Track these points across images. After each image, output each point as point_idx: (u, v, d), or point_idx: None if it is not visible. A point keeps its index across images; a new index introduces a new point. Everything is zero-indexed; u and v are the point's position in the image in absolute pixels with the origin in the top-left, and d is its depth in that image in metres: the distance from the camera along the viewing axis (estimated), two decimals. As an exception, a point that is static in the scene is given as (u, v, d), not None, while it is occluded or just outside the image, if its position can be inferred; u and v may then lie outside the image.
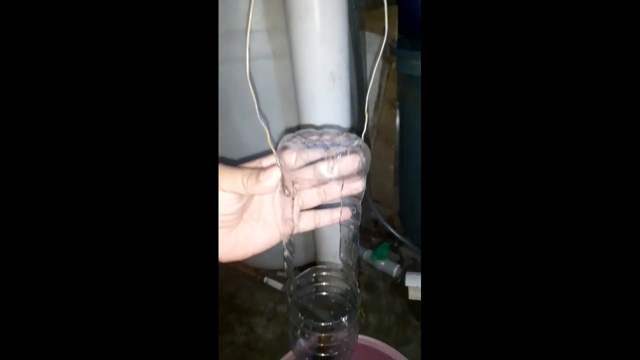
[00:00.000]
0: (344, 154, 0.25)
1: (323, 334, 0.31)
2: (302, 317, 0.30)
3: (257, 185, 0.25)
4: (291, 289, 0.31)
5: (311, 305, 0.32)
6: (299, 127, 0.63)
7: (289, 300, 0.31)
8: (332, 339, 0.30)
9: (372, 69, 0.83)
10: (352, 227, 0.30)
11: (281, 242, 0.29)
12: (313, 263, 0.77)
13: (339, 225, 0.31)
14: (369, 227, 1.04)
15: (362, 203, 0.31)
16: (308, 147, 0.25)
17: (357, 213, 0.29)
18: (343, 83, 0.58)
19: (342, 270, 0.32)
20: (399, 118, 0.94)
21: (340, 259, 0.32)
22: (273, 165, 0.26)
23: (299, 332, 0.32)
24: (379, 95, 0.96)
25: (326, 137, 0.26)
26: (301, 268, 0.33)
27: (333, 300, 0.32)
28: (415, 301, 0.80)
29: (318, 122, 0.59)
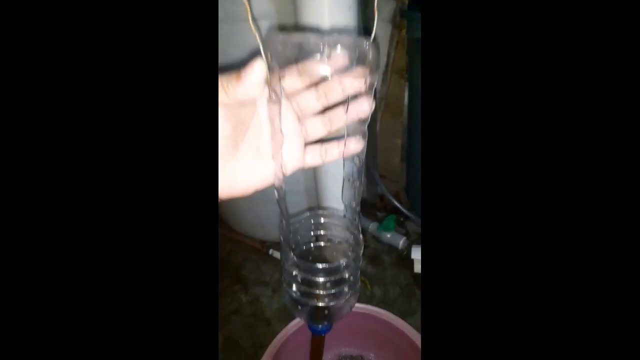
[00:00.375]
0: (344, 46, 0.21)
1: (320, 278, 0.29)
2: (295, 259, 0.28)
3: (239, 83, 0.22)
4: (284, 227, 0.29)
5: (310, 257, 0.30)
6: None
7: (281, 240, 0.29)
8: (329, 286, 0.29)
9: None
10: (356, 160, 0.28)
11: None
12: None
13: (342, 162, 0.29)
14: (375, 202, 1.03)
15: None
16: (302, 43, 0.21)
17: (364, 135, 0.26)
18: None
19: (344, 216, 0.31)
20: (407, 89, 0.91)
21: (343, 202, 0.30)
22: (257, 58, 0.22)
23: (292, 276, 0.30)
24: (387, 65, 0.92)
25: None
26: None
27: (334, 253, 0.31)
28: (421, 274, 0.80)
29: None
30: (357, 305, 0.61)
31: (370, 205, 1.01)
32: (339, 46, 0.21)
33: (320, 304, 0.30)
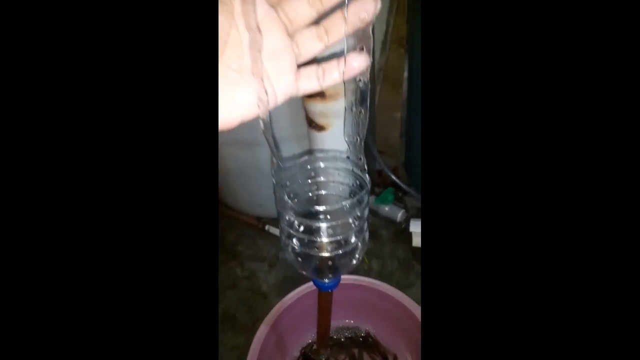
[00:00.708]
0: None
1: (321, 224, 0.26)
2: (291, 203, 0.26)
3: None
4: (275, 167, 0.25)
5: (309, 208, 0.28)
6: None
7: (274, 181, 0.26)
8: (333, 233, 0.27)
9: None
10: (361, 82, 0.23)
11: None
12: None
13: (341, 87, 0.25)
14: (373, 177, 1.01)
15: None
16: None
17: (369, 49, 0.22)
18: None
19: (347, 158, 0.28)
20: (407, 60, 0.88)
21: (346, 138, 0.27)
22: None
23: (290, 224, 0.27)
24: (386, 33, 0.89)
25: None
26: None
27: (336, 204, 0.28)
28: (419, 248, 0.79)
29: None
30: (354, 277, 0.61)
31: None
32: None
33: (325, 254, 0.27)
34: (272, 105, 0.23)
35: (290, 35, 0.23)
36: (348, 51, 0.22)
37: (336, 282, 0.33)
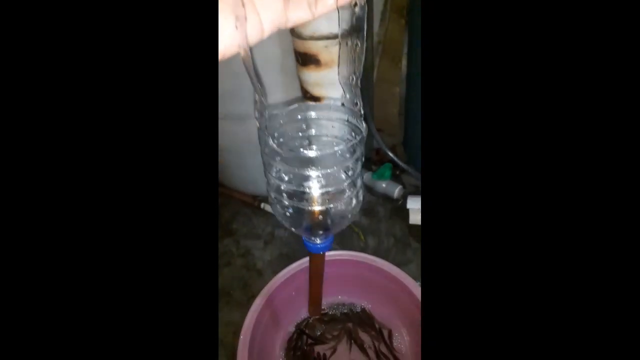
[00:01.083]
0: None
1: (311, 172, 0.23)
2: (277, 147, 0.23)
3: None
4: (257, 106, 0.22)
5: (298, 155, 0.24)
6: None
7: (257, 124, 0.23)
8: (325, 183, 0.24)
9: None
10: (357, 6, 0.21)
11: None
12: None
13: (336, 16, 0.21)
14: (371, 155, 0.99)
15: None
16: None
17: None
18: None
19: (342, 105, 0.25)
20: (407, 32, 0.84)
21: (340, 79, 0.24)
22: None
23: (277, 174, 0.25)
24: (385, 3, 0.84)
25: None
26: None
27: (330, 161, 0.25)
28: (416, 225, 0.78)
29: None
30: (350, 252, 0.60)
31: (366, 159, 0.98)
32: None
33: (316, 208, 0.25)
34: (257, 37, 0.20)
35: None
36: None
37: (328, 244, 0.31)
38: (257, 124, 0.23)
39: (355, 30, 0.22)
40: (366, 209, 0.86)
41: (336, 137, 0.26)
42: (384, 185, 0.82)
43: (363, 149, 0.25)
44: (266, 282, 0.55)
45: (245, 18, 0.19)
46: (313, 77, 0.57)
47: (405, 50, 0.87)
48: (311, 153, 0.23)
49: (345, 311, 0.62)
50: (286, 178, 0.25)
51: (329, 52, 0.52)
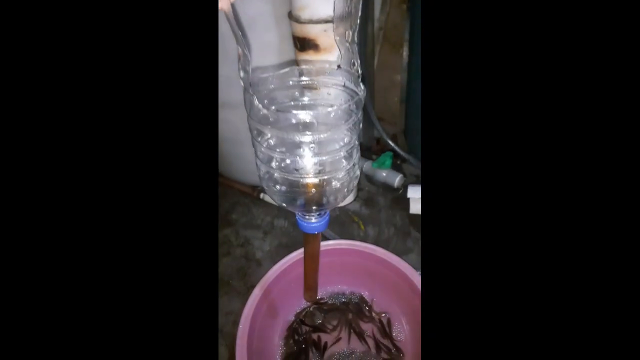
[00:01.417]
0: None
1: (303, 137, 0.20)
2: (261, 107, 0.20)
3: None
4: (241, 59, 0.20)
5: (288, 118, 0.21)
6: None
7: (241, 83, 0.21)
8: (318, 151, 0.21)
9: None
10: None
11: None
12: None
13: None
14: (371, 145, 0.98)
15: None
16: None
17: None
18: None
19: (338, 67, 0.23)
20: (409, 17, 0.82)
21: (336, 38, 0.22)
22: None
23: (265, 141, 0.22)
24: (387, -13, 0.82)
25: None
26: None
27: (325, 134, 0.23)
28: (417, 215, 0.77)
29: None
30: (350, 242, 0.59)
31: (366, 148, 0.96)
32: None
33: (310, 180, 0.23)
34: None
35: None
36: None
37: (324, 223, 0.29)
38: (242, 83, 0.21)
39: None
40: (366, 199, 0.85)
41: (332, 105, 0.24)
42: (384, 174, 0.81)
43: (360, 115, 0.23)
44: (265, 272, 0.55)
45: None
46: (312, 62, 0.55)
47: (406, 36, 0.85)
48: (302, 114, 0.21)
49: (345, 300, 0.62)
50: (276, 147, 0.22)
51: (327, 36, 0.51)
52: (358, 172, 0.25)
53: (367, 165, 0.84)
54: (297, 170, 0.23)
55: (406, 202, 0.78)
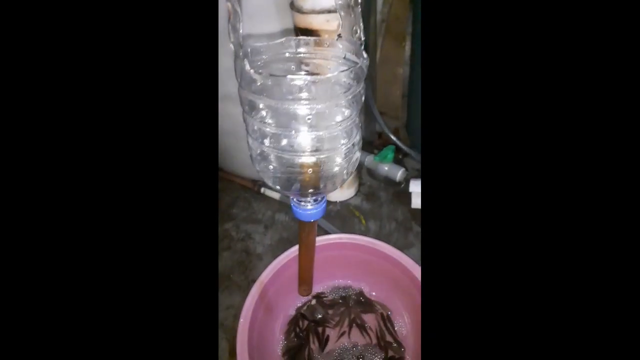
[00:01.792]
0: None
1: (300, 109, 0.18)
2: (252, 72, 0.18)
3: None
4: (231, 18, 0.17)
5: (281, 90, 0.19)
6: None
7: (231, 46, 0.18)
8: (315, 125, 0.19)
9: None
10: None
11: None
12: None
13: None
14: (373, 139, 0.97)
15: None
16: None
17: None
18: None
19: (338, 36, 0.21)
20: (412, 9, 0.81)
21: (336, 2, 0.20)
22: None
23: (256, 112, 0.19)
24: (390, -22, 0.81)
25: None
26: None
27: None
28: (418, 209, 0.77)
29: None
30: (351, 236, 0.59)
31: (368, 143, 0.96)
32: None
33: (306, 160, 0.21)
34: None
35: None
36: None
37: (320, 210, 0.27)
38: (231, 47, 0.19)
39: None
40: (368, 193, 0.85)
41: (331, 74, 0.23)
42: (386, 168, 0.81)
43: (362, 89, 0.21)
44: (266, 266, 0.55)
45: None
46: (313, 54, 0.54)
47: (409, 29, 0.84)
48: (298, 80, 0.18)
49: (345, 294, 0.62)
50: (270, 120, 0.20)
51: (330, 27, 0.50)
52: (358, 155, 0.23)
53: (369, 159, 0.83)
54: (292, 147, 0.20)
55: (408, 196, 0.77)
